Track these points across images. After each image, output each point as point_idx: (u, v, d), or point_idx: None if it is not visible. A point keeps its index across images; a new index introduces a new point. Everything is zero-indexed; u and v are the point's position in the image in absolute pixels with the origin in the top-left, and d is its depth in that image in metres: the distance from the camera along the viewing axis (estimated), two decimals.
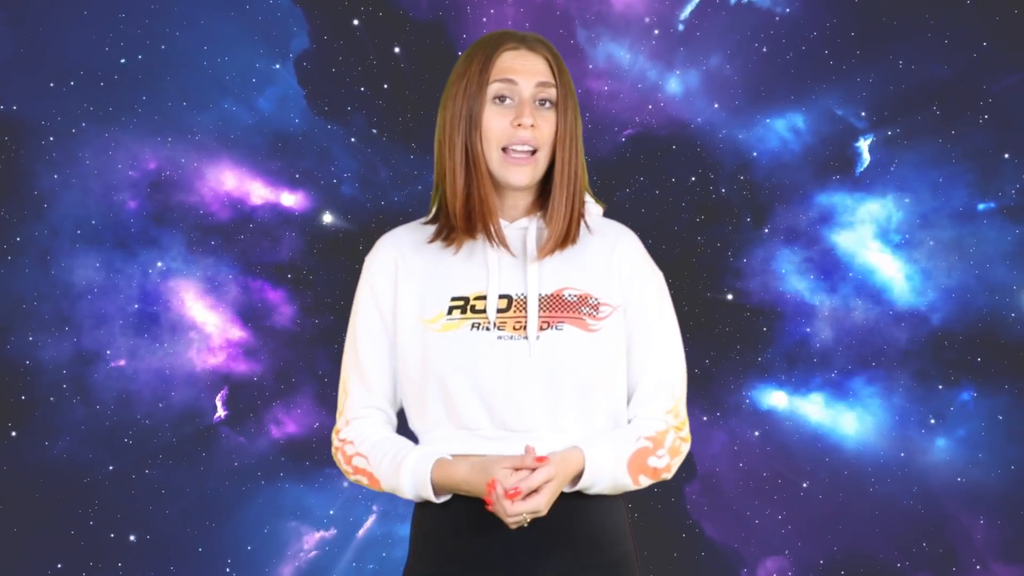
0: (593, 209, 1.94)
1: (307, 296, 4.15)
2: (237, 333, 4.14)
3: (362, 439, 1.88)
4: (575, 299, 1.84)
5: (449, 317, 1.83)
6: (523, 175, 1.84)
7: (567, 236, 1.85)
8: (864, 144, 4.07)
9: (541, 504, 1.70)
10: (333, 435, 1.93)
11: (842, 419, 4.13)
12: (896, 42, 3.98)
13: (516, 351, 1.80)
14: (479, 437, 1.81)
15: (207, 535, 4.07)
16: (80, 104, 3.94)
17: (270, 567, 4.13)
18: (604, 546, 1.84)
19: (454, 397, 1.81)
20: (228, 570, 4.09)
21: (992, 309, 4.02)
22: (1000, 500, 4.01)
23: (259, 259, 4.12)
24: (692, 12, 4.08)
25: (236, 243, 4.10)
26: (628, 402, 1.89)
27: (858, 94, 4.03)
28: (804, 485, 4.12)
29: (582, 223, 1.89)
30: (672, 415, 1.88)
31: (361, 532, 4.18)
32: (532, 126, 1.81)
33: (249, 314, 4.14)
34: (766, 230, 4.15)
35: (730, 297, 4.18)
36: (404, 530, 4.11)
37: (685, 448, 1.89)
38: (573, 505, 1.81)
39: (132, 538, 4.02)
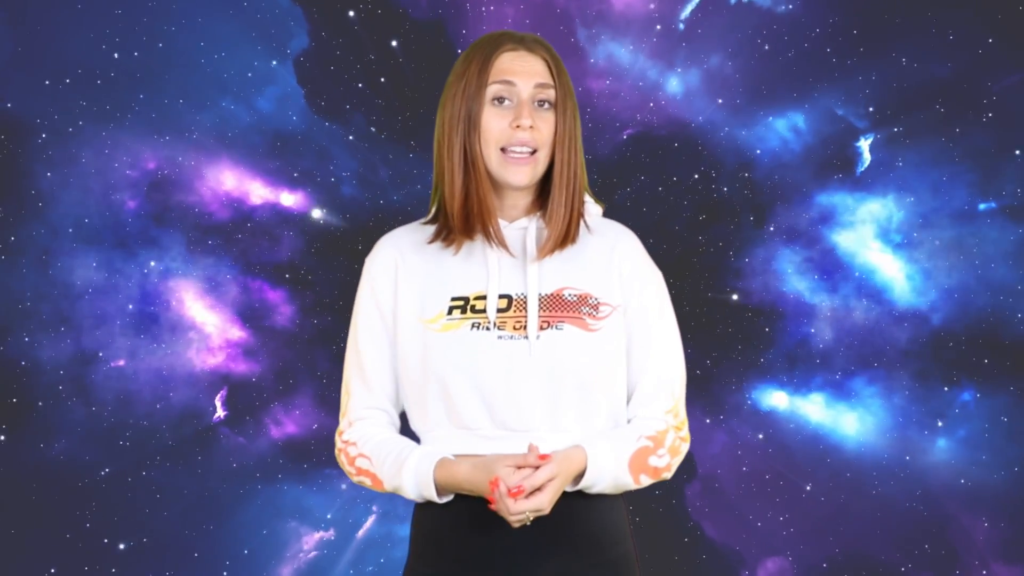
0: (593, 209, 1.94)
1: (307, 296, 4.14)
2: (236, 333, 4.13)
3: (365, 440, 1.88)
4: (575, 299, 1.85)
5: (449, 317, 1.83)
6: (523, 175, 1.84)
7: (567, 236, 1.86)
8: (865, 144, 4.07)
9: (544, 502, 1.71)
10: (336, 436, 1.94)
11: (843, 419, 4.12)
12: (897, 41, 3.98)
13: (516, 351, 1.81)
14: (479, 437, 1.81)
15: (206, 536, 4.07)
16: (79, 103, 3.93)
17: (270, 568, 4.12)
18: (604, 546, 1.84)
19: (454, 397, 1.81)
20: (227, 571, 4.08)
21: (993, 309, 4.01)
22: (1001, 501, 4.00)
23: (258, 259, 4.11)
24: (693, 11, 4.07)
25: (235, 243, 4.09)
26: (628, 402, 1.89)
27: (859, 93, 4.03)
28: (807, 487, 4.11)
29: (582, 223, 1.90)
30: (672, 415, 1.89)
31: (361, 533, 4.18)
32: (531, 127, 1.82)
33: (248, 314, 4.13)
34: (768, 230, 4.15)
35: (731, 297, 4.17)
36: (404, 531, 4.11)
37: (685, 448, 1.90)
38: (573, 505, 1.81)
39: (131, 539, 4.01)
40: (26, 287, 3.97)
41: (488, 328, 1.82)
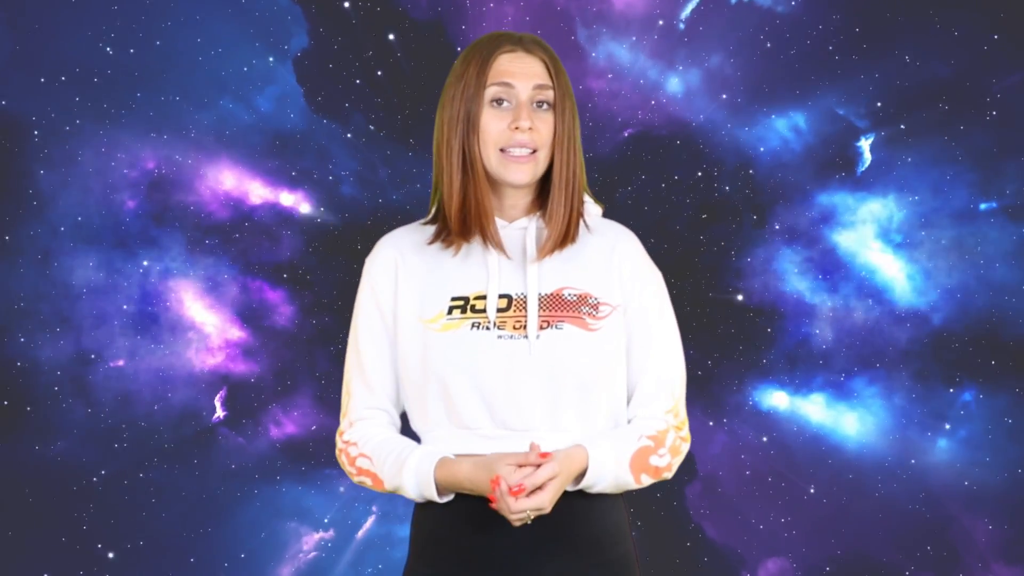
0: (592, 209, 1.95)
1: (306, 296, 4.14)
2: (236, 333, 4.13)
3: (365, 440, 1.88)
4: (575, 298, 1.85)
5: (449, 317, 1.84)
6: (523, 174, 1.84)
7: (566, 235, 1.86)
8: (865, 143, 4.07)
9: (545, 501, 1.71)
10: (337, 437, 1.94)
11: (843, 420, 4.12)
12: (898, 40, 3.97)
13: (516, 350, 1.81)
14: (479, 436, 1.82)
15: (206, 536, 4.06)
16: (78, 103, 3.92)
17: (269, 568, 4.12)
18: (604, 546, 1.84)
19: (454, 397, 1.82)
20: (227, 571, 4.08)
21: (994, 309, 4.01)
22: (1003, 501, 4.00)
23: (258, 259, 4.11)
24: (693, 10, 4.07)
25: (235, 243, 4.09)
26: (628, 402, 1.90)
27: (859, 93, 4.03)
28: (808, 488, 4.11)
29: (581, 223, 1.91)
30: (672, 415, 1.89)
31: (360, 533, 4.17)
32: (530, 129, 1.83)
33: (248, 314, 4.13)
34: (770, 229, 4.14)
35: (731, 297, 4.17)
36: (403, 531, 4.10)
37: (685, 448, 1.90)
38: (574, 505, 1.81)
39: (129, 541, 4.01)
40: (25, 287, 3.96)
41: (488, 328, 1.82)
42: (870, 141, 4.06)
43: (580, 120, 1.92)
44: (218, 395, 4.11)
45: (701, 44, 4.08)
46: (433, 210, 1.94)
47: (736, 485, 4.16)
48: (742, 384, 4.15)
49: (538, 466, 1.72)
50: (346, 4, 4.08)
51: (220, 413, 4.10)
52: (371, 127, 4.12)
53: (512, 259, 1.87)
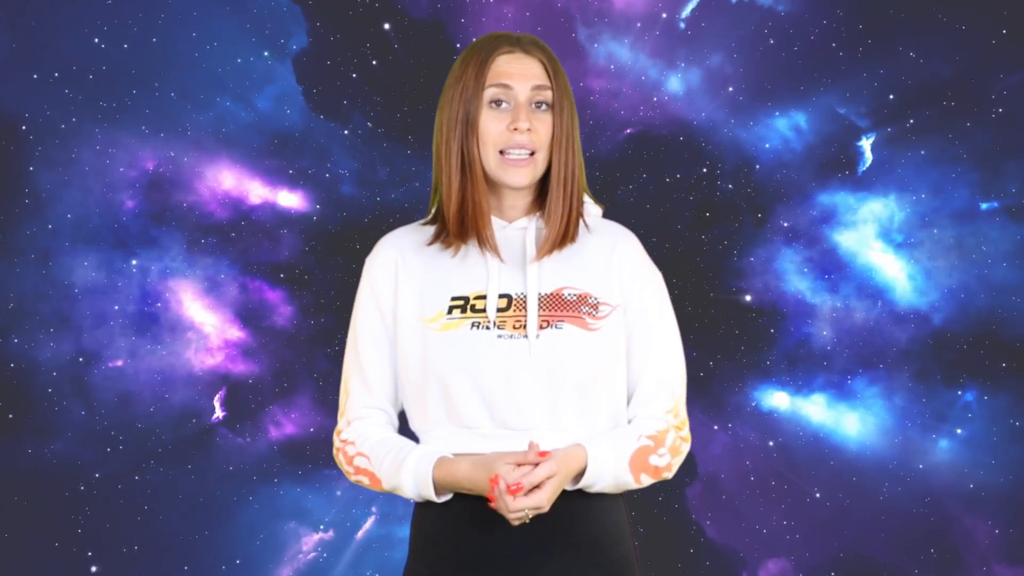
0: (592, 210, 1.95)
1: (306, 296, 4.13)
2: (235, 333, 4.12)
3: (363, 439, 1.88)
4: (574, 298, 1.85)
5: (449, 316, 1.84)
6: (522, 176, 1.85)
7: (565, 235, 1.87)
8: (866, 143, 4.06)
9: (543, 500, 1.71)
10: (334, 436, 1.94)
11: (844, 420, 4.11)
12: (898, 40, 3.97)
13: (516, 350, 1.81)
14: (479, 436, 1.82)
15: (205, 537, 4.06)
16: (77, 103, 3.92)
17: (269, 569, 4.11)
18: (604, 545, 1.84)
19: (454, 396, 1.82)
20: (226, 572, 4.07)
21: (996, 309, 4.01)
22: (1004, 502, 3.99)
23: (257, 259, 4.10)
24: (693, 10, 4.07)
25: (234, 243, 4.08)
26: (628, 402, 1.90)
27: (860, 92, 4.02)
28: (808, 489, 4.10)
29: (581, 223, 1.91)
30: (672, 415, 1.89)
31: (360, 534, 4.17)
32: (528, 130, 1.83)
33: (247, 314, 4.12)
34: (768, 229, 4.14)
35: (731, 297, 4.17)
36: (403, 531, 4.10)
37: (685, 448, 1.91)
38: (574, 504, 1.81)
39: (127, 541, 4.00)
40: (24, 287, 3.96)
41: (488, 327, 1.82)
42: (871, 140, 4.06)
43: (580, 120, 1.93)
44: (217, 395, 4.10)
45: (702, 43, 4.07)
46: (433, 211, 1.94)
47: (737, 486, 4.16)
48: (743, 384, 4.15)
49: (536, 465, 1.72)
50: (345, 3, 4.08)
51: (219, 414, 4.10)
52: (368, 123, 4.11)
53: (508, 262, 1.87)
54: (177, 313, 4.07)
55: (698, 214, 4.16)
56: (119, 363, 4.02)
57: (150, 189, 4.01)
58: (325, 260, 4.13)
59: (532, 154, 1.85)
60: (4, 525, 3.94)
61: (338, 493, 4.14)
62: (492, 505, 1.72)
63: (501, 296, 1.85)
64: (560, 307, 1.84)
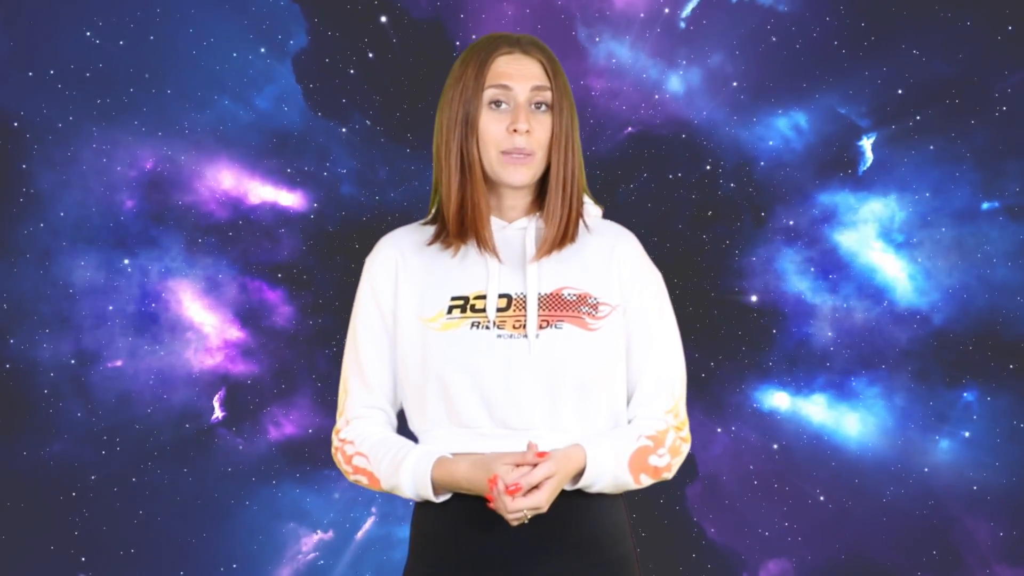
0: (592, 210, 1.96)
1: (305, 296, 4.13)
2: (235, 333, 4.12)
3: (362, 439, 1.89)
4: (574, 298, 1.86)
5: (449, 316, 1.84)
6: (521, 175, 1.85)
7: (565, 235, 1.88)
8: (867, 143, 4.06)
9: (542, 500, 1.71)
10: (333, 435, 1.94)
11: (845, 420, 4.11)
12: (899, 40, 3.97)
13: (516, 349, 1.82)
14: (479, 435, 1.82)
15: (204, 537, 4.05)
16: (76, 102, 3.92)
17: (268, 569, 4.11)
18: (604, 545, 1.84)
19: (454, 396, 1.82)
20: (226, 572, 4.07)
21: (996, 309, 4.00)
22: (1005, 502, 3.99)
23: (257, 259, 4.10)
24: (694, 10, 4.06)
25: (234, 243, 4.08)
26: (628, 402, 1.90)
27: (861, 92, 4.02)
28: (809, 489, 4.10)
29: (581, 223, 1.92)
30: (672, 415, 1.89)
31: (360, 534, 4.16)
32: (527, 131, 1.83)
33: (247, 314, 4.12)
34: (771, 229, 4.13)
35: (732, 297, 4.16)
36: (403, 532, 4.09)
37: (685, 448, 1.91)
38: (573, 504, 1.81)
39: (126, 541, 3.99)
40: (23, 287, 3.95)
41: (488, 327, 1.82)
42: (872, 140, 4.05)
43: (580, 119, 1.93)
44: (217, 396, 4.10)
45: (702, 43, 4.07)
46: (433, 211, 1.94)
47: (737, 486, 4.16)
48: (743, 385, 4.15)
49: (535, 465, 1.72)
50: (345, 2, 4.07)
51: (219, 414, 4.10)
52: (367, 122, 4.11)
53: (506, 263, 1.87)
54: (176, 313, 4.07)
55: (698, 214, 4.15)
56: (118, 363, 4.01)
57: (149, 189, 4.01)
58: (325, 260, 4.12)
59: (531, 154, 1.85)
60: (1, 527, 3.93)
61: (336, 496, 4.13)
62: (491, 505, 1.72)
63: (501, 296, 1.85)
64: (560, 307, 1.85)
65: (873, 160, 4.07)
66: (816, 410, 4.14)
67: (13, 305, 3.94)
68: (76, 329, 3.99)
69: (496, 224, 1.90)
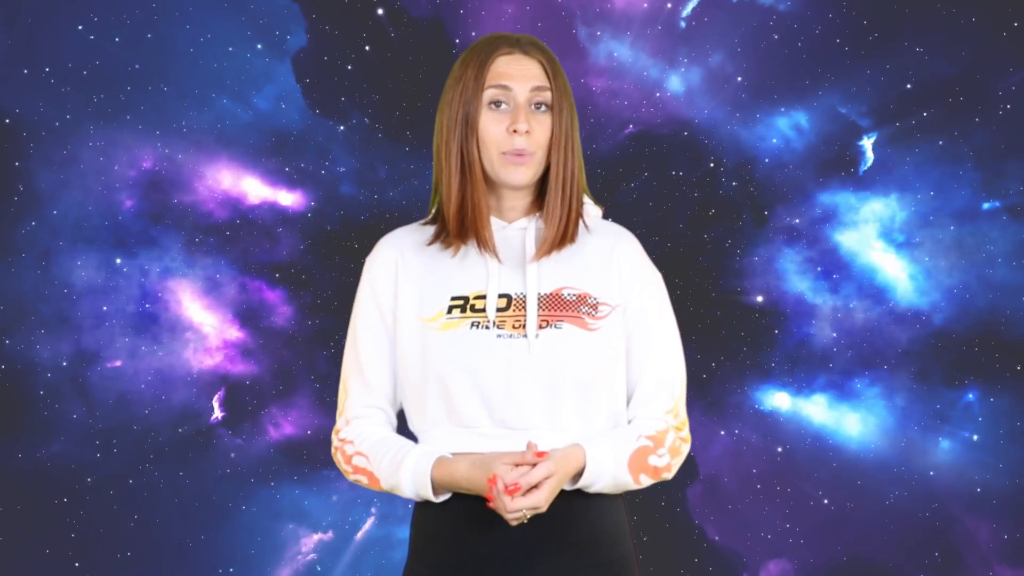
0: (592, 211, 1.96)
1: (305, 296, 4.12)
2: (234, 333, 4.11)
3: (362, 438, 1.89)
4: (574, 298, 1.86)
5: (449, 316, 1.85)
6: (521, 175, 1.86)
7: (564, 235, 1.88)
8: (868, 142, 4.05)
9: (541, 500, 1.71)
10: (333, 435, 1.95)
11: (845, 421, 4.10)
12: (900, 39, 3.96)
13: (516, 349, 1.82)
14: (479, 435, 1.82)
15: (204, 538, 4.05)
16: (75, 102, 3.91)
17: (268, 570, 4.10)
18: (604, 546, 1.85)
19: (454, 396, 1.82)
20: (225, 573, 4.06)
21: (997, 309, 4.00)
22: (1006, 502, 3.99)
23: (257, 259, 4.09)
24: (694, 9, 4.06)
25: (233, 242, 4.07)
26: (628, 403, 1.90)
27: (862, 91, 4.01)
28: (809, 490, 4.09)
29: (581, 224, 1.92)
30: (672, 415, 1.89)
31: (359, 535, 4.16)
32: (527, 131, 1.84)
33: (246, 314, 4.11)
34: (771, 229, 4.13)
35: (732, 297, 4.16)
36: (402, 532, 4.09)
37: (685, 448, 1.91)
38: (573, 504, 1.82)
39: (125, 541, 3.99)
40: (22, 287, 3.95)
41: (487, 327, 1.83)
42: (872, 140, 4.05)
43: (581, 118, 1.94)
44: (216, 396, 4.09)
45: (702, 42, 4.07)
46: (433, 211, 1.95)
47: (738, 487, 4.15)
48: (744, 385, 4.14)
49: (534, 465, 1.72)
50: (344, 1, 4.07)
51: (218, 414, 4.09)
52: (366, 119, 4.11)
53: (506, 263, 1.88)
54: (176, 313, 4.06)
55: (699, 213, 4.15)
56: (118, 363, 4.01)
57: (148, 189, 4.00)
58: (324, 260, 4.12)
59: (531, 154, 1.85)
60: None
61: (334, 498, 4.13)
62: (490, 505, 1.72)
63: (501, 296, 1.85)
64: (559, 307, 1.85)
65: (874, 160, 4.07)
66: (817, 410, 4.13)
67: (12, 305, 3.94)
68: (75, 329, 3.98)
69: (496, 224, 1.90)
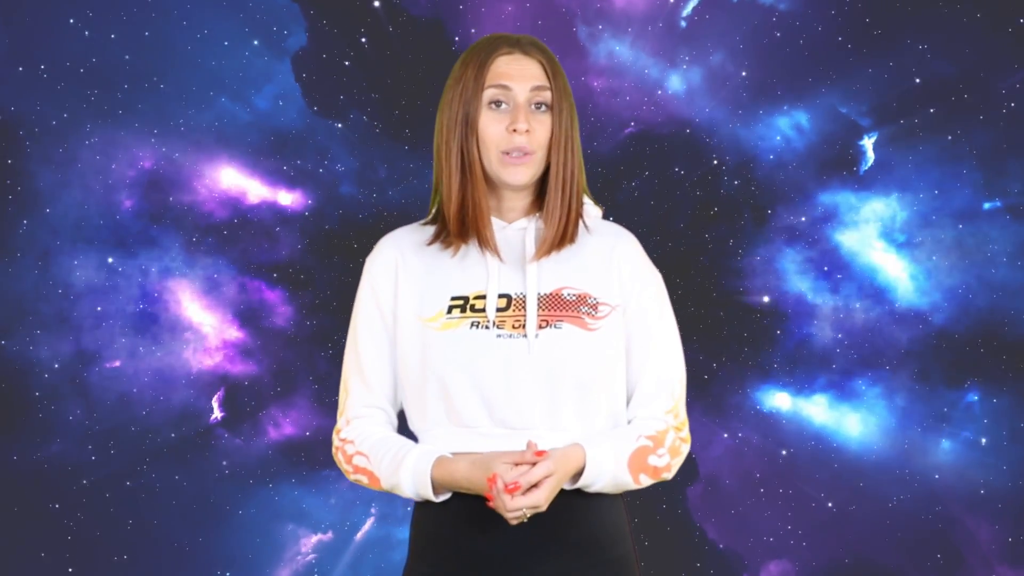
0: (592, 211, 1.96)
1: (305, 296, 4.12)
2: (234, 333, 4.11)
3: (363, 438, 1.89)
4: (574, 298, 1.86)
5: (449, 316, 1.85)
6: (520, 175, 1.86)
7: (564, 236, 1.88)
8: (868, 142, 4.05)
9: (541, 499, 1.71)
10: (334, 435, 1.95)
11: (846, 421, 4.10)
12: (901, 39, 3.96)
13: (515, 349, 1.82)
14: (478, 435, 1.82)
15: (203, 538, 4.04)
16: (74, 102, 3.91)
17: (268, 570, 4.10)
18: (604, 545, 1.85)
19: (454, 395, 1.82)
20: (225, 574, 4.06)
21: (999, 309, 3.99)
22: (1006, 502, 3.98)
23: (256, 259, 4.09)
24: (695, 8, 4.06)
25: (233, 242, 4.07)
26: (628, 403, 1.91)
27: (862, 91, 4.01)
28: (810, 490, 4.09)
29: (581, 224, 1.92)
30: (672, 415, 1.90)
31: (359, 535, 4.16)
32: (527, 131, 1.84)
33: (246, 314, 4.11)
34: (772, 229, 4.13)
35: (732, 297, 4.15)
36: (402, 533, 4.08)
37: (685, 449, 1.91)
38: (573, 504, 1.82)
39: (125, 542, 3.99)
40: (23, 287, 3.94)
41: (487, 327, 1.83)
42: (873, 140, 4.04)
43: (581, 118, 1.94)
44: (216, 396, 4.09)
45: (703, 42, 4.06)
46: (433, 211, 1.95)
47: (738, 487, 4.15)
48: (744, 385, 4.14)
49: (534, 464, 1.72)
50: (344, 1, 4.07)
51: (218, 414, 4.09)
52: (364, 117, 4.11)
53: (507, 262, 1.88)
54: (175, 313, 4.06)
55: (700, 213, 4.15)
56: (117, 363, 4.00)
57: (148, 188, 4.00)
58: (324, 259, 4.11)
59: (531, 154, 1.85)
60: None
61: (335, 497, 4.12)
62: (490, 504, 1.72)
63: (500, 296, 1.85)
64: (559, 307, 1.85)
65: (875, 159, 4.06)
66: (817, 411, 4.13)
67: (10, 305, 3.93)
68: (75, 329, 3.98)
69: (496, 224, 1.90)
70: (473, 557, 1.81)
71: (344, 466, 1.91)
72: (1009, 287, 3.99)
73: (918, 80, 3.96)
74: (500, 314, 1.84)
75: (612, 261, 1.90)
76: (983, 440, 4.01)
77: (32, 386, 3.95)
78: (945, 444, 4.04)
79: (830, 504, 4.08)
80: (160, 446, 4.01)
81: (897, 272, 4.09)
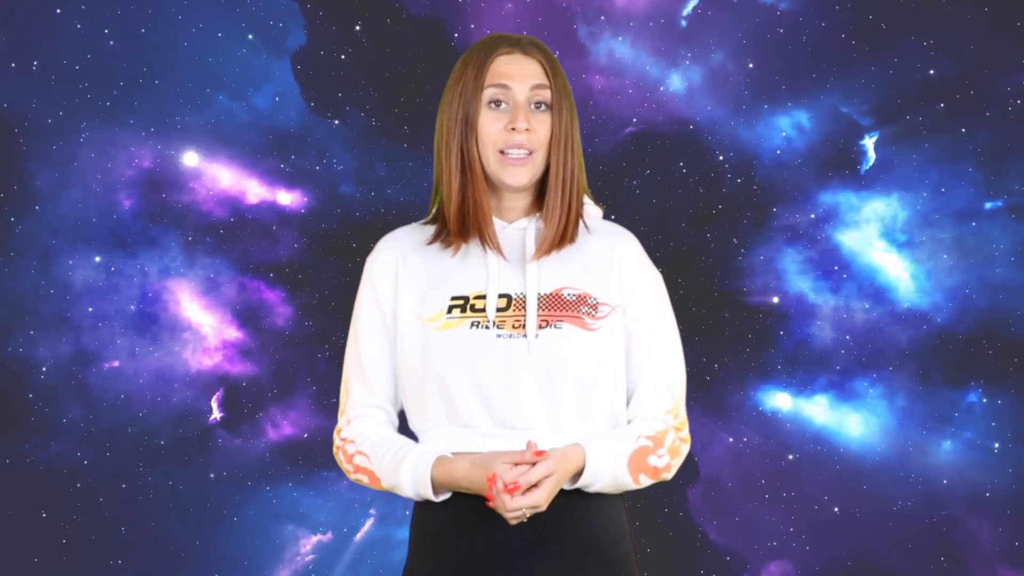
0: (592, 211, 1.97)
1: (304, 296, 4.12)
2: (233, 334, 4.10)
3: (363, 438, 1.89)
4: (574, 298, 1.87)
5: (449, 316, 1.85)
6: (520, 175, 1.86)
7: (564, 236, 1.89)
8: (869, 142, 4.05)
9: (540, 499, 1.71)
10: (334, 434, 1.96)
11: (847, 421, 4.09)
12: (901, 38, 3.96)
13: (515, 349, 1.82)
14: (478, 435, 1.83)
15: (203, 539, 4.04)
16: (74, 102, 3.91)
17: (267, 571, 4.10)
18: (604, 545, 1.85)
19: (453, 395, 1.83)
20: (225, 574, 4.05)
21: (999, 309, 3.99)
22: (1008, 503, 3.98)
23: (255, 259, 4.08)
24: (695, 7, 4.05)
25: (232, 242, 4.06)
26: (628, 403, 1.91)
27: (863, 91, 4.01)
28: (811, 491, 4.08)
29: (581, 224, 1.93)
30: (672, 415, 1.90)
31: (359, 536, 4.15)
32: (527, 130, 1.85)
33: (246, 314, 4.10)
34: (772, 229, 4.12)
35: (732, 297, 4.15)
36: (402, 533, 4.08)
37: (685, 449, 1.91)
38: (573, 504, 1.82)
39: (124, 542, 3.98)
40: (23, 287, 3.94)
41: (487, 327, 1.83)
42: (874, 139, 4.04)
43: (581, 117, 1.94)
44: (215, 396, 4.08)
45: (703, 41, 4.06)
46: (433, 210, 1.96)
47: (739, 487, 4.15)
48: (745, 385, 4.13)
49: (533, 464, 1.72)
50: (344, 1, 4.06)
51: (217, 414, 4.08)
52: (362, 115, 4.10)
53: (510, 260, 1.88)
54: (175, 313, 4.05)
55: (700, 213, 4.14)
56: (116, 364, 4.00)
57: (148, 189, 3.99)
58: (323, 259, 4.11)
59: (530, 153, 1.86)
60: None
61: (340, 490, 4.12)
62: (490, 504, 1.72)
63: (501, 296, 1.85)
64: (559, 307, 1.85)
65: (875, 159, 4.06)
66: (818, 411, 4.12)
67: (10, 305, 3.93)
68: (75, 329, 3.97)
69: (496, 225, 1.91)
70: (473, 557, 1.81)
71: (345, 465, 1.91)
72: (1010, 287, 3.99)
73: (919, 79, 3.96)
74: (500, 314, 1.84)
75: (612, 261, 1.90)
76: (984, 440, 4.01)
77: (31, 387, 3.94)
78: (946, 444, 4.03)
79: (830, 504, 4.08)
80: (160, 447, 4.01)
81: (898, 272, 4.09)
